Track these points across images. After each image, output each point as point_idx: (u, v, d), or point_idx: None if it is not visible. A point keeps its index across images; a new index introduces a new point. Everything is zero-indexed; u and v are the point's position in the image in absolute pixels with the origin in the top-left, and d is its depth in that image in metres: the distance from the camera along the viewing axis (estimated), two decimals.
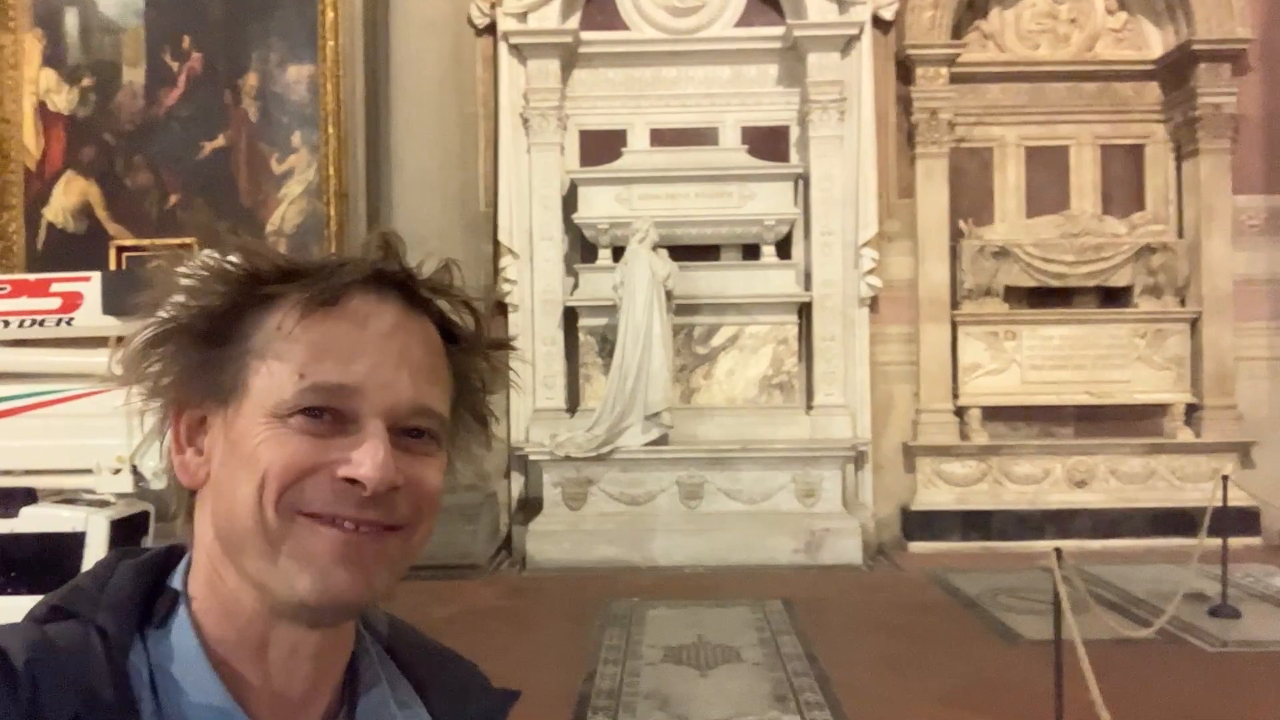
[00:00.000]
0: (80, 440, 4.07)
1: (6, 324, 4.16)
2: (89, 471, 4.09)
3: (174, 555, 0.79)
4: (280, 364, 0.72)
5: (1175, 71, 8.73)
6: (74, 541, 3.85)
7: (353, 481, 0.71)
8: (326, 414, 0.72)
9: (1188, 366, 8.69)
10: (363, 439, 0.72)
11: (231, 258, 0.74)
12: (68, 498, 4.14)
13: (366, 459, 0.71)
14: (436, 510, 0.77)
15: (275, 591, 0.72)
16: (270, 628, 0.74)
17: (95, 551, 3.81)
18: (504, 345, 0.84)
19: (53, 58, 8.74)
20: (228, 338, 0.74)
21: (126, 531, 3.99)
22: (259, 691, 0.74)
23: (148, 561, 0.78)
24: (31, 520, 3.94)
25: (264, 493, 0.71)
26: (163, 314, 0.74)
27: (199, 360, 0.74)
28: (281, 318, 0.73)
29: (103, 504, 4.07)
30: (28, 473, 4.15)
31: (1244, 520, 7.65)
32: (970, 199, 8.88)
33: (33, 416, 4.11)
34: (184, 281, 0.74)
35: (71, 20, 8.73)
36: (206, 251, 0.76)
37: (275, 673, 0.74)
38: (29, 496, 4.06)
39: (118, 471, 4.06)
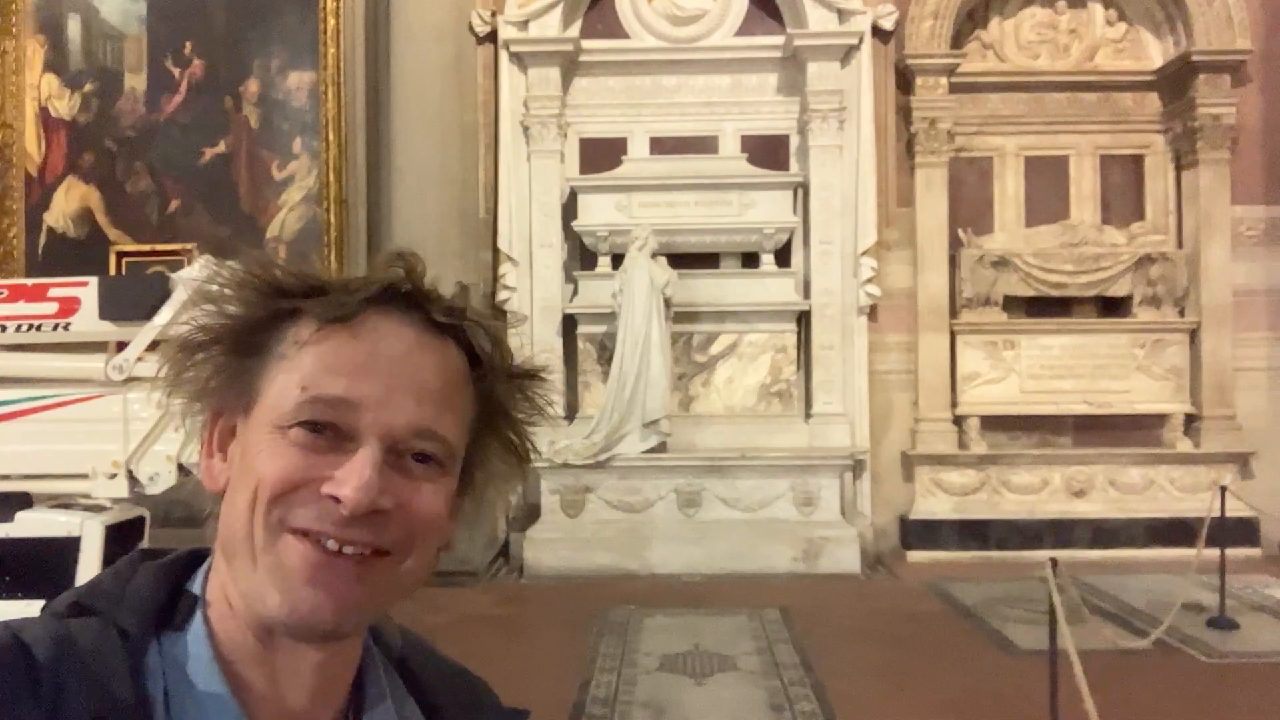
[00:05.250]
0: (76, 445, 4.07)
1: (4, 329, 4.16)
2: (85, 476, 4.10)
3: (196, 559, 0.80)
4: (288, 376, 0.73)
5: (1175, 82, 8.75)
6: (69, 546, 3.85)
7: (337, 500, 0.71)
8: (326, 429, 0.72)
9: (1186, 377, 8.68)
10: (354, 457, 0.72)
11: (256, 270, 0.75)
12: (63, 503, 4.14)
13: (350, 478, 0.71)
14: (435, 537, 0.76)
15: (252, 603, 0.72)
16: (268, 637, 0.74)
17: (90, 556, 3.81)
18: (534, 375, 0.83)
19: (55, 63, 8.76)
20: (256, 349, 0.75)
21: (122, 537, 3.99)
22: (265, 700, 0.74)
23: (169, 564, 0.78)
24: (26, 525, 3.95)
25: (255, 503, 0.71)
26: (200, 320, 0.75)
27: (233, 369, 0.75)
28: (298, 331, 0.74)
29: (98, 509, 4.07)
30: (23, 477, 4.16)
31: (1242, 531, 7.64)
32: (969, 208, 8.89)
33: (29, 421, 4.12)
34: (216, 289, 0.75)
35: (74, 26, 8.75)
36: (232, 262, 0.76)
37: (280, 682, 0.74)
38: (24, 501, 4.07)
39: (113, 476, 4.07)
